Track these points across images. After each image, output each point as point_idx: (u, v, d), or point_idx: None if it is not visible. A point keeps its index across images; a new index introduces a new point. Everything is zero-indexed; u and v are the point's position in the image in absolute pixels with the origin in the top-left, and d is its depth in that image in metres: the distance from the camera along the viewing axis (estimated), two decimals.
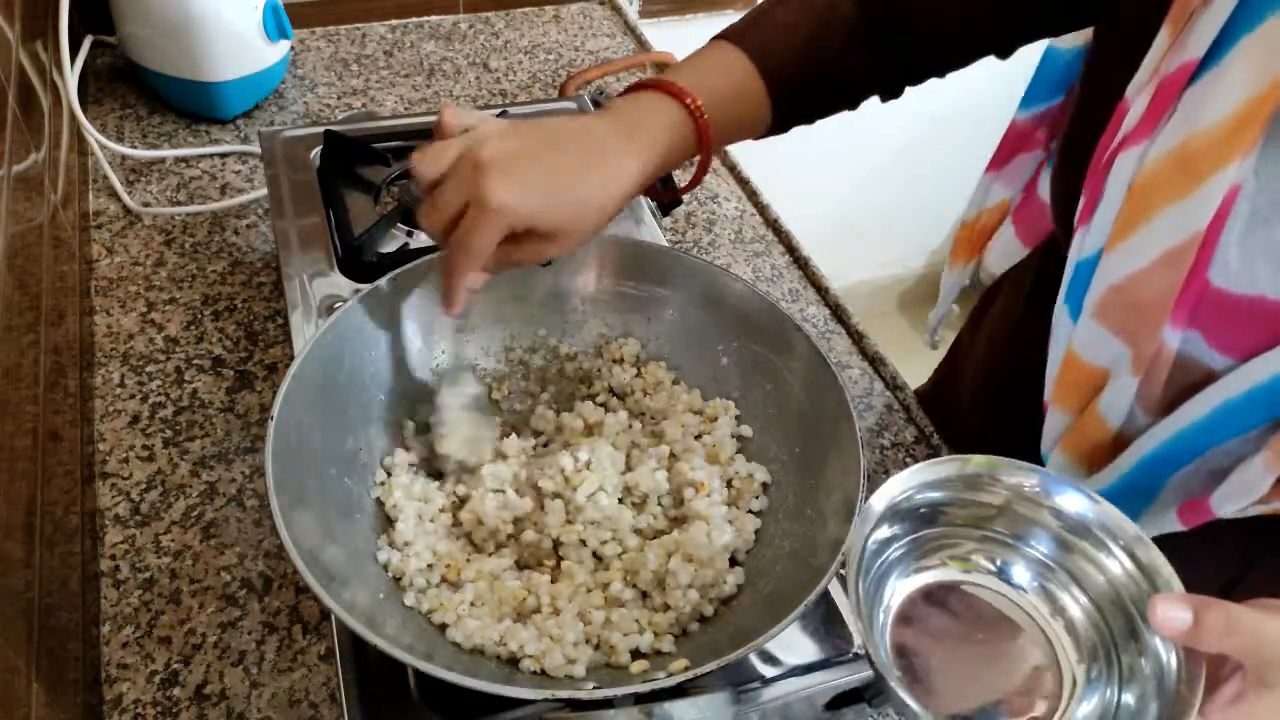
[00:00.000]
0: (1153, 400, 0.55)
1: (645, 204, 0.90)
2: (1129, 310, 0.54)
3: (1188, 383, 0.54)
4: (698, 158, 0.67)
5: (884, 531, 0.50)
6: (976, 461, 0.51)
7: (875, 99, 0.72)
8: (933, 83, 0.72)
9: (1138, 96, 0.53)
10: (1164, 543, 0.55)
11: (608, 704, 0.50)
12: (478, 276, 0.60)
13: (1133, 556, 0.48)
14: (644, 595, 0.60)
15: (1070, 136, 0.63)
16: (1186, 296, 0.51)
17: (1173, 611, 0.42)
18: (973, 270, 0.88)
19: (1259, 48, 0.47)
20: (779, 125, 0.69)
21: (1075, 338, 0.57)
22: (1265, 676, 0.41)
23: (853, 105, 0.71)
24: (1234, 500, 0.53)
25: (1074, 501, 0.49)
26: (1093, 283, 0.55)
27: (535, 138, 0.58)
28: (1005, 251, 0.84)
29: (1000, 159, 0.83)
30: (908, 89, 0.71)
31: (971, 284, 0.90)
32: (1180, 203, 0.50)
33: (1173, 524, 0.57)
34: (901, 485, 0.50)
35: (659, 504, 0.65)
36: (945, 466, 0.50)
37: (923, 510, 0.52)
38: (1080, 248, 0.56)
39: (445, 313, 0.61)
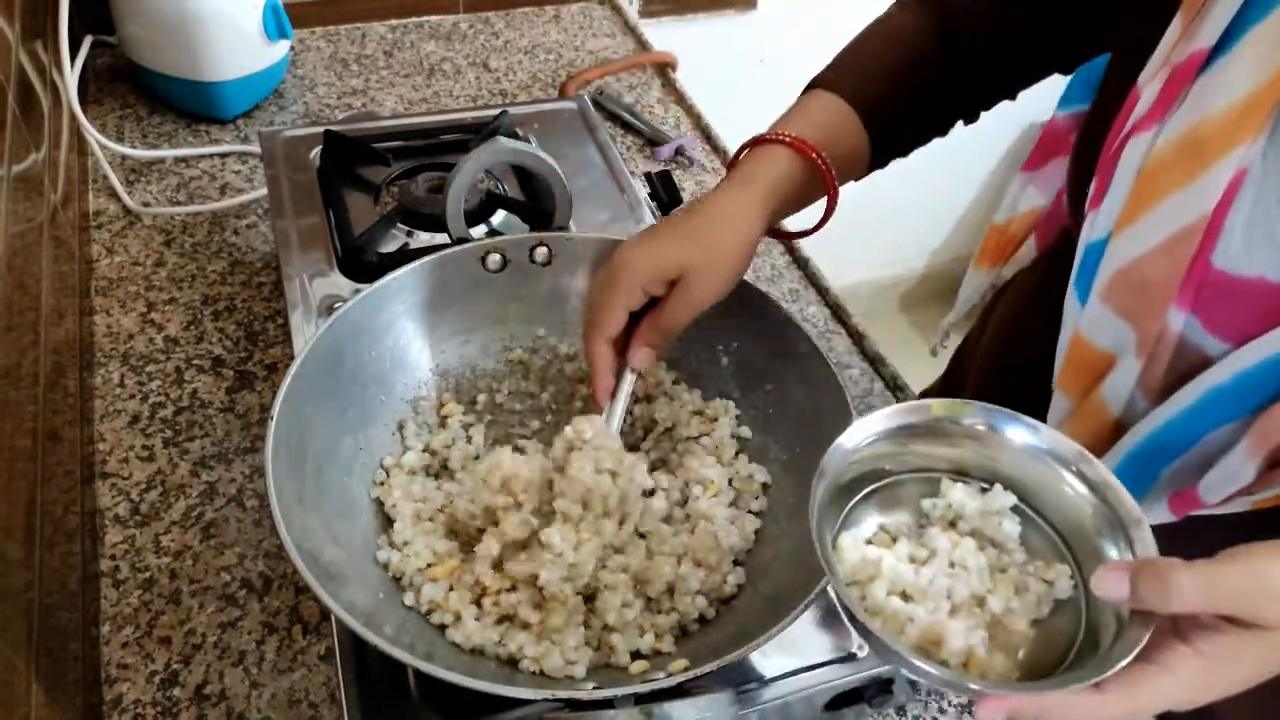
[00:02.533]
0: (1154, 386, 0.56)
1: (645, 203, 0.90)
2: (1134, 292, 0.54)
3: (1187, 369, 0.54)
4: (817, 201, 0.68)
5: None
6: (933, 407, 0.52)
7: (961, 124, 0.74)
8: None
9: (1149, 84, 0.54)
10: (1165, 537, 0.55)
11: (608, 704, 0.50)
12: (645, 356, 0.63)
13: (1083, 477, 0.49)
14: (647, 599, 0.60)
15: (1087, 125, 0.64)
16: (1191, 279, 0.52)
17: (1110, 582, 0.43)
18: (995, 275, 0.89)
19: (1268, 37, 0.48)
20: (877, 161, 0.71)
21: (1082, 321, 0.58)
22: (1252, 622, 0.41)
23: (943, 132, 0.73)
24: (1220, 488, 0.53)
25: (1020, 434, 0.51)
26: (1101, 266, 0.56)
27: (659, 223, 0.64)
28: (1022, 257, 0.85)
29: (1036, 159, 0.84)
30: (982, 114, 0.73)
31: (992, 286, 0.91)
32: (1187, 186, 0.51)
33: (1164, 514, 0.57)
34: (855, 439, 0.50)
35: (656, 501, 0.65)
36: (899, 416, 0.51)
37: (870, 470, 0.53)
38: (1090, 232, 0.57)
39: (597, 403, 0.63)
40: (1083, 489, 0.49)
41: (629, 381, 0.64)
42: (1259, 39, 0.49)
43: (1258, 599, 0.41)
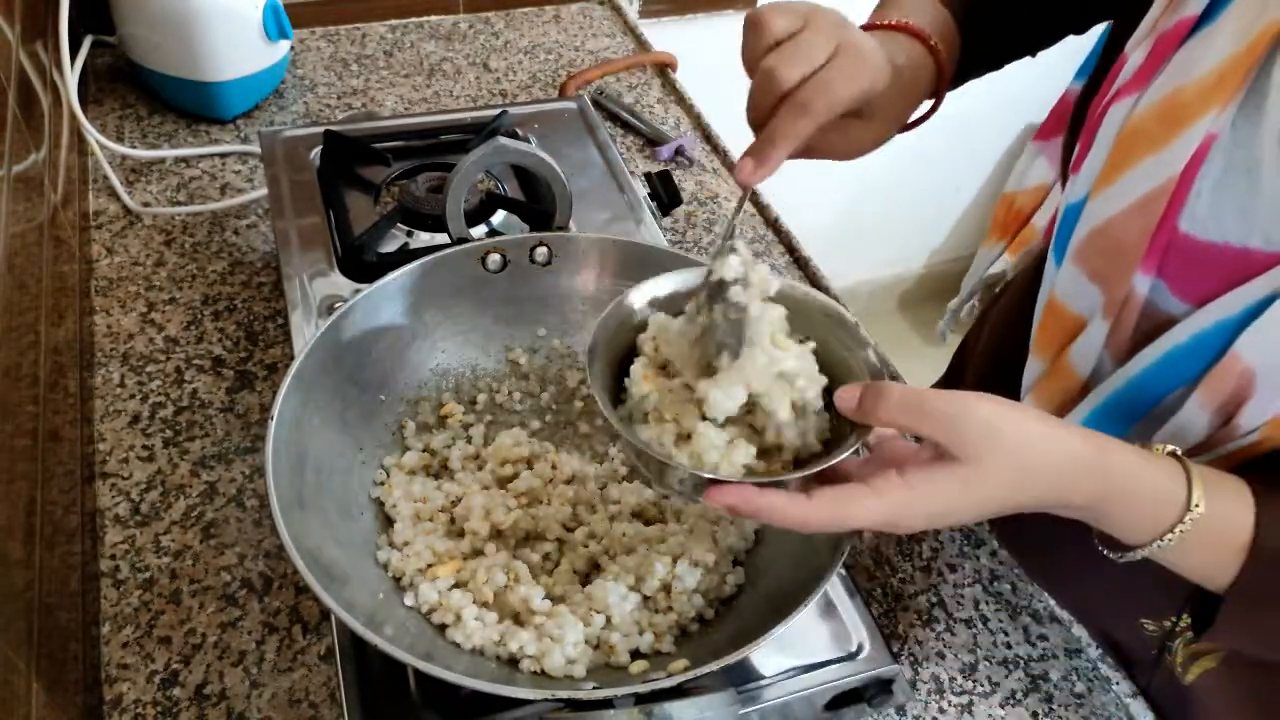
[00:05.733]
0: (1121, 348, 0.56)
1: (645, 203, 0.90)
2: (1104, 254, 0.55)
3: (1152, 331, 0.55)
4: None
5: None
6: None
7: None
8: None
9: (1135, 50, 0.55)
10: None
11: (607, 704, 0.50)
12: (780, 154, 0.56)
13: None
14: (645, 598, 0.60)
15: (1081, 95, 0.65)
16: (1158, 242, 0.53)
17: (844, 396, 0.49)
18: (1001, 250, 0.88)
19: (1250, 5, 0.49)
20: (963, 71, 0.69)
21: (1057, 283, 0.59)
22: (951, 450, 0.45)
23: (997, 65, 0.72)
24: (1173, 443, 0.54)
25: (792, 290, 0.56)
26: (1076, 227, 0.57)
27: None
28: (1032, 246, 0.85)
29: (1048, 129, 0.83)
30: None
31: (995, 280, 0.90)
32: (1161, 150, 0.51)
33: None
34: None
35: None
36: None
37: None
38: (1069, 194, 0.58)
39: (748, 178, 0.56)
40: (842, 348, 0.54)
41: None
42: (1242, 8, 0.49)
43: (957, 426, 0.45)
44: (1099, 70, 0.61)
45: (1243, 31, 0.49)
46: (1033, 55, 0.72)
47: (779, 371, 0.51)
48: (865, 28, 0.64)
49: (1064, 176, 0.62)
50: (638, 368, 0.54)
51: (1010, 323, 0.82)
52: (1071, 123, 0.64)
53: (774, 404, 0.50)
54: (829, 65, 0.54)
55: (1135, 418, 0.56)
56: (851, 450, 0.49)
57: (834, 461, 0.48)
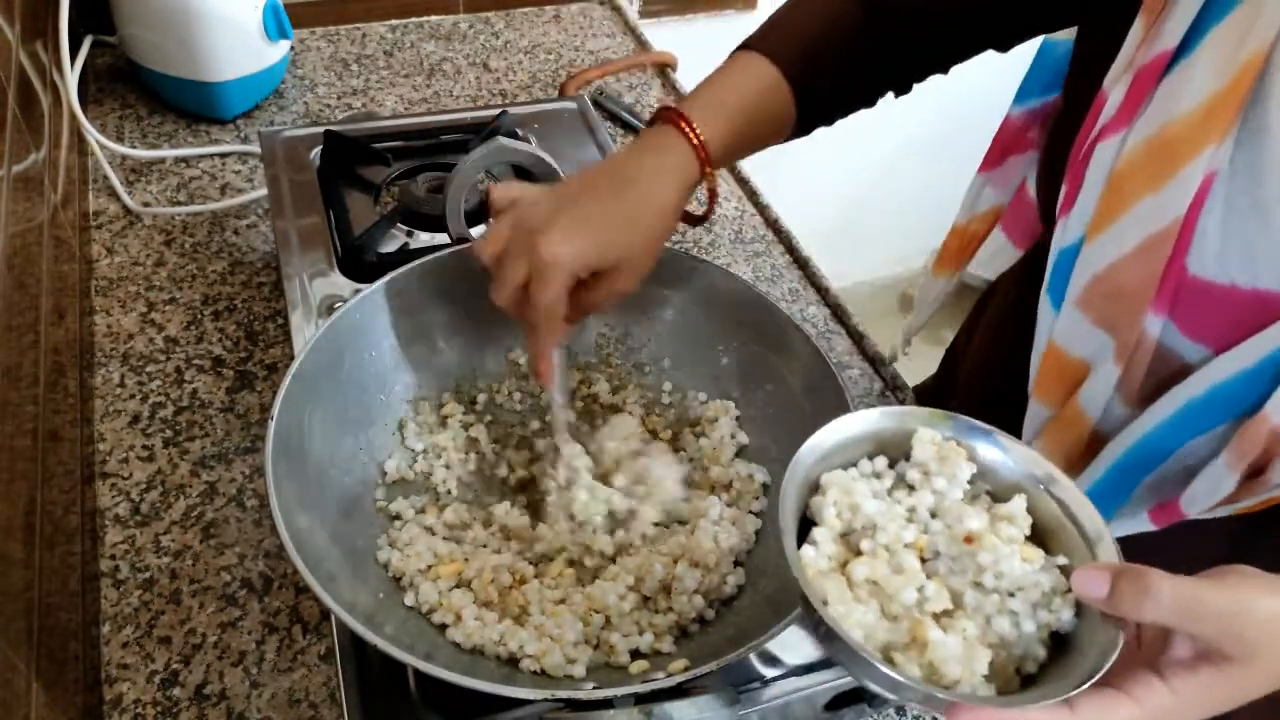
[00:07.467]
0: (1133, 391, 0.56)
1: None
2: (1110, 299, 0.54)
3: (1165, 374, 0.54)
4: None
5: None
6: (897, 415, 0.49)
7: (891, 95, 0.73)
8: (933, 80, 0.72)
9: (1115, 87, 0.54)
10: (1148, 540, 0.55)
11: (607, 704, 0.50)
12: (567, 333, 0.62)
13: (1051, 495, 0.47)
14: (645, 598, 0.60)
15: (1055, 129, 0.64)
16: (1167, 284, 0.52)
17: (1091, 581, 0.41)
18: (955, 281, 0.88)
19: (1228, 37, 0.48)
20: (802, 126, 0.70)
21: (1056, 329, 0.58)
22: (1223, 649, 0.40)
23: (870, 103, 0.72)
24: (1202, 500, 0.54)
25: (992, 451, 0.48)
26: (1074, 272, 0.56)
27: (570, 189, 0.62)
28: (998, 254, 0.84)
29: (993, 158, 0.83)
30: (915, 86, 0.72)
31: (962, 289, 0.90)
32: (1158, 191, 0.51)
33: (1145, 524, 0.58)
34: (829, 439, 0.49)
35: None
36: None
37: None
38: (1062, 238, 0.57)
39: (542, 384, 0.64)
40: (1053, 506, 0.47)
41: (559, 358, 0.65)
42: (1220, 40, 0.49)
43: (1236, 627, 0.39)
44: (1071, 103, 0.60)
45: (1225, 61, 0.48)
46: (944, 72, 0.71)
47: (1041, 595, 0.44)
48: (674, 115, 0.64)
49: (1048, 219, 0.61)
50: (824, 548, 0.47)
51: (998, 339, 0.82)
52: (1049, 160, 0.63)
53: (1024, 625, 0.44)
54: (531, 286, 0.59)
55: (1152, 468, 0.56)
56: (1112, 661, 0.41)
57: (1098, 677, 0.41)
